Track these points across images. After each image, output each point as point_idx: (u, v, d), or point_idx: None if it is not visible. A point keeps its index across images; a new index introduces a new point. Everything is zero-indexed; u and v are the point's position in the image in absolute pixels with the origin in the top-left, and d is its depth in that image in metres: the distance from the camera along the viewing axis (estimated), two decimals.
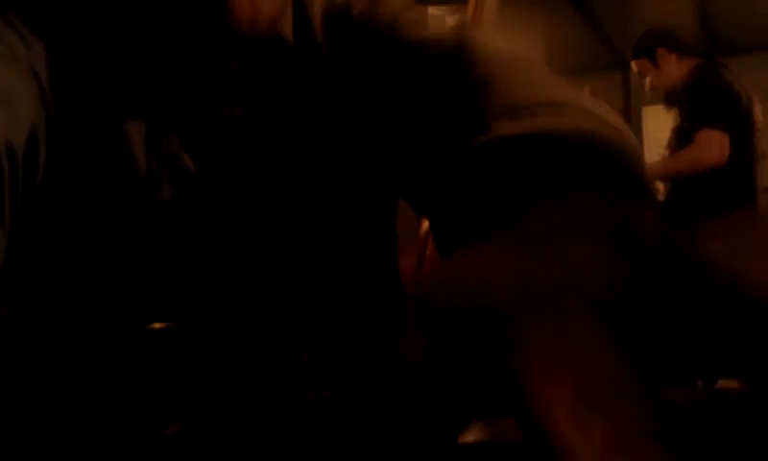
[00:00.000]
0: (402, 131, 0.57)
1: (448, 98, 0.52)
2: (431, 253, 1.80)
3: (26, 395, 0.50)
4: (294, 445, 0.45)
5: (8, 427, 0.47)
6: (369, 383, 0.53)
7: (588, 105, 0.45)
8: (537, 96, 0.46)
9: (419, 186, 0.58)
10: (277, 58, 0.59)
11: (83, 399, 0.50)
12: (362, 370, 0.58)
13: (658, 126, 3.96)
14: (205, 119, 0.57)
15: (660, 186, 3.11)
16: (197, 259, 0.55)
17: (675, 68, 3.03)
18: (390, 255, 0.67)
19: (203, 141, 0.56)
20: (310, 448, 0.44)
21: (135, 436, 0.45)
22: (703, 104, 2.89)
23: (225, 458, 0.45)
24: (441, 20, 0.62)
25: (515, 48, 0.56)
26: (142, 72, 0.55)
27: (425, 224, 1.81)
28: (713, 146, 2.82)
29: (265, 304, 0.57)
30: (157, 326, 0.52)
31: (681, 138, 2.97)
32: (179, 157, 0.55)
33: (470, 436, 0.46)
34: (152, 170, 0.54)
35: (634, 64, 3.21)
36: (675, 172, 2.98)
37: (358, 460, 0.41)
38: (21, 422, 0.48)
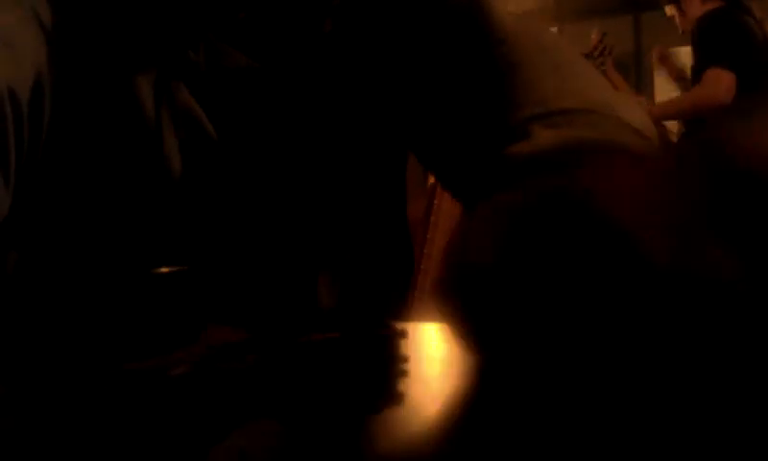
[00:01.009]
0: (417, 92, 0.57)
1: (471, 70, 0.52)
2: (438, 202, 1.82)
3: (34, 337, 0.51)
4: (297, 385, 0.46)
5: (16, 372, 0.47)
6: (375, 327, 0.53)
7: (618, 107, 0.46)
8: (570, 98, 0.46)
9: (435, 154, 0.58)
10: (286, 6, 0.58)
11: (90, 341, 0.51)
12: (371, 312, 0.59)
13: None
14: (213, 69, 0.56)
15: (674, 127, 3.09)
16: (208, 205, 0.56)
17: (698, 11, 2.99)
18: (399, 203, 0.67)
19: (210, 90, 0.56)
20: (311, 389, 0.45)
21: (143, 376, 0.46)
22: (710, 43, 2.85)
23: (230, 400, 0.45)
24: None
25: (528, 20, 0.56)
26: (149, 22, 0.54)
27: (432, 175, 1.83)
28: (719, 85, 2.77)
29: (278, 248, 0.58)
30: (165, 270, 0.53)
31: (693, 80, 2.95)
32: (188, 105, 0.55)
33: None
34: (159, 118, 0.53)
35: (666, 10, 3.19)
36: (682, 111, 2.96)
37: (355, 404, 0.42)
38: (29, 366, 0.48)
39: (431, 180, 1.83)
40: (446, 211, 1.84)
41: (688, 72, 3.07)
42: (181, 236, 0.54)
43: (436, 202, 1.84)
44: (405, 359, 0.42)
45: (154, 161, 0.54)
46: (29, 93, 0.47)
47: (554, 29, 5.52)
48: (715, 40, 2.84)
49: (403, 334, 0.42)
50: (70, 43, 0.51)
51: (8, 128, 0.45)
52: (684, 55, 3.15)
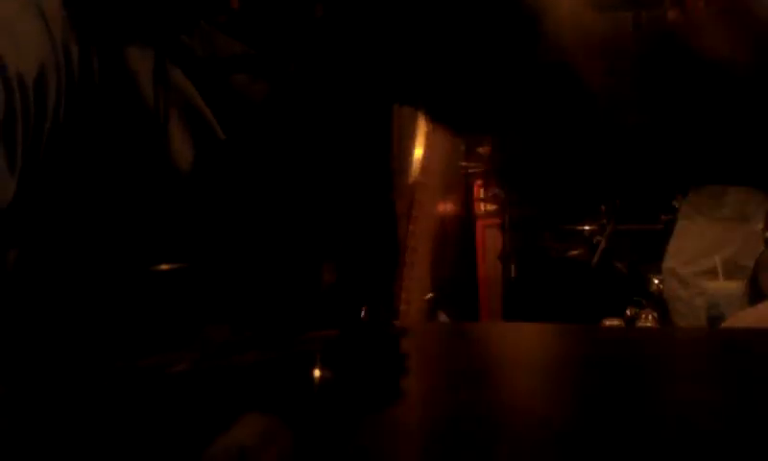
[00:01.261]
0: (430, 42, 0.57)
1: (491, 20, 0.53)
2: (420, 198, 1.95)
3: (34, 335, 0.50)
4: (297, 384, 0.46)
5: (16, 372, 0.47)
6: (376, 325, 0.53)
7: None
8: (590, 48, 0.49)
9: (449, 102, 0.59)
10: None
11: (90, 339, 0.51)
12: (363, 300, 0.59)
13: None
14: (208, 55, 0.57)
15: None
16: (207, 192, 0.56)
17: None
18: (388, 197, 0.68)
19: (207, 76, 0.56)
20: (312, 388, 0.45)
21: (143, 374, 0.46)
22: None
23: (230, 398, 0.45)
24: None
25: None
26: (146, 7, 0.54)
27: (413, 173, 1.99)
28: None
29: (281, 238, 0.58)
30: (165, 267, 0.52)
31: None
32: (185, 89, 0.55)
33: None
34: (158, 102, 0.53)
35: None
36: None
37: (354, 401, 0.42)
38: (29, 366, 0.48)
39: (413, 177, 1.94)
40: (427, 208, 1.97)
41: None
42: (183, 228, 0.54)
43: (417, 198, 1.96)
44: (406, 357, 0.41)
45: (152, 145, 0.54)
46: (33, 85, 0.47)
47: None
48: None
49: (404, 332, 0.42)
50: (70, 29, 0.51)
51: (17, 115, 0.45)
52: None
